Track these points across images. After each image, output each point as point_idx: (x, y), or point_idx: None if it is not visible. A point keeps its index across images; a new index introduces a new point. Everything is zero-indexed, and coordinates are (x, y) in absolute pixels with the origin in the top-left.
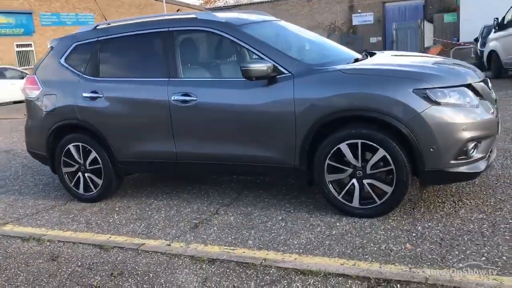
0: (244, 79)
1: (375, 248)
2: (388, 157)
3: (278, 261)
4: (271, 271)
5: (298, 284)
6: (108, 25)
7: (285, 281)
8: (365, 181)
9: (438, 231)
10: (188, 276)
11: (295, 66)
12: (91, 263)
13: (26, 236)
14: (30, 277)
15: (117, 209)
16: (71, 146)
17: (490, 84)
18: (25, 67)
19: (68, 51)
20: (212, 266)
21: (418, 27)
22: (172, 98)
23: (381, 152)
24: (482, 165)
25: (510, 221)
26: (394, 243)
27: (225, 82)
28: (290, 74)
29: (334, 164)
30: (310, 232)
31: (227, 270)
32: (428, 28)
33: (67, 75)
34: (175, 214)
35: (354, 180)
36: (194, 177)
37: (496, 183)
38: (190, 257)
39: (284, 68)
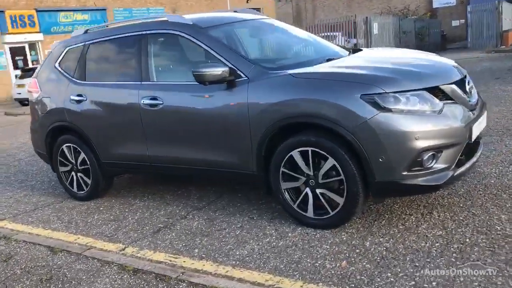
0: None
1: (309, 264)
2: (338, 166)
3: (195, 276)
4: (181, 286)
5: None
6: (96, 29)
7: None
8: (317, 191)
9: (384, 248)
10: (105, 285)
11: (251, 70)
12: (33, 266)
13: (0, 235)
14: None
15: (101, 208)
16: (64, 147)
17: (469, 85)
18: None
19: (62, 55)
20: (132, 277)
21: (496, 9)
22: (142, 102)
23: (330, 161)
24: (444, 177)
25: (467, 240)
26: (332, 259)
27: (189, 86)
28: (246, 78)
29: (288, 172)
30: (257, 242)
31: (142, 282)
32: (507, 9)
33: (60, 78)
34: (148, 216)
35: (307, 189)
36: (184, 178)
37: (480, 193)
38: (119, 265)
39: (242, 72)
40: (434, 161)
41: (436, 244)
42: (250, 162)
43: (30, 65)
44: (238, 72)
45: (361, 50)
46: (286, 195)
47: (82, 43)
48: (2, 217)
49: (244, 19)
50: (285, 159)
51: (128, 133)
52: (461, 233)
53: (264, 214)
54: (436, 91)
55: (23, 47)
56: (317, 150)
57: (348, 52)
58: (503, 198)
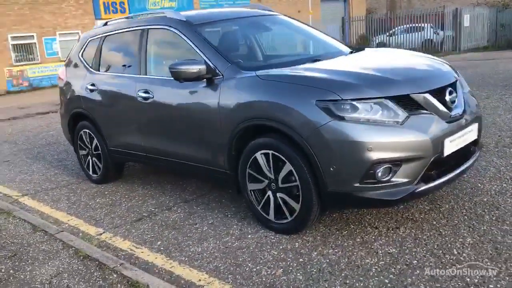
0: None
1: (247, 269)
2: (294, 172)
3: (128, 269)
4: (111, 277)
5: None
6: (114, 22)
7: None
8: (278, 195)
9: (327, 261)
10: (51, 267)
11: (227, 68)
12: (9, 242)
13: (5, 210)
14: None
15: (106, 193)
16: (82, 132)
17: (452, 95)
18: None
19: (84, 46)
20: (79, 262)
21: None
22: (137, 94)
23: (288, 166)
24: (402, 193)
25: (414, 262)
26: (272, 266)
27: (174, 82)
28: (222, 76)
29: (253, 173)
30: (216, 240)
31: (83, 269)
32: None
33: (81, 68)
34: (139, 205)
35: (270, 192)
36: None
37: (463, 212)
38: (75, 250)
39: (219, 71)
40: (391, 174)
41: (380, 263)
42: (222, 160)
43: None
44: (216, 70)
45: (363, 50)
46: (252, 196)
47: (100, 35)
48: (25, 193)
49: (245, 16)
50: (250, 160)
51: (128, 123)
52: (413, 253)
53: (240, 213)
54: (406, 100)
55: None
56: (277, 154)
57: (348, 52)
58: (483, 220)
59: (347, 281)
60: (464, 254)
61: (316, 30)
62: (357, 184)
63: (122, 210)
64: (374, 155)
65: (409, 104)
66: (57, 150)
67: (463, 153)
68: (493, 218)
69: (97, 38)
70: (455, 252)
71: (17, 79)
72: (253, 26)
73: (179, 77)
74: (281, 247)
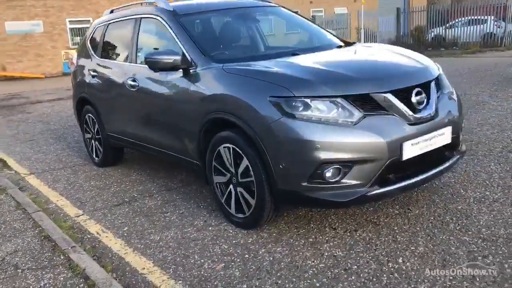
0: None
1: (192, 261)
2: (250, 167)
3: (74, 252)
4: (58, 258)
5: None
6: (117, 10)
7: (55, 269)
8: (238, 189)
9: (271, 259)
10: (12, 245)
11: (200, 60)
12: None
13: (3, 186)
14: None
15: (102, 176)
16: (86, 116)
17: (420, 96)
18: None
19: (92, 33)
20: (38, 242)
21: None
22: (127, 82)
23: (245, 162)
24: (352, 195)
25: (354, 267)
26: (216, 260)
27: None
28: (195, 68)
29: (218, 166)
30: (178, 230)
31: (38, 249)
32: None
33: (87, 54)
34: (125, 190)
35: (231, 186)
36: None
37: (430, 219)
38: (41, 230)
39: (193, 62)
40: (340, 176)
41: (321, 265)
42: (193, 151)
43: None
44: (191, 61)
45: (352, 44)
46: (217, 189)
47: (105, 22)
48: (33, 172)
49: (237, 6)
50: (215, 153)
51: (120, 110)
52: (358, 258)
53: (213, 205)
54: (365, 99)
55: None
56: (236, 149)
57: (335, 46)
58: (447, 228)
59: (279, 281)
60: (408, 263)
61: (312, 24)
62: (305, 184)
63: (108, 194)
64: (322, 155)
65: (368, 103)
66: (79, 132)
67: (435, 158)
68: (458, 228)
69: (102, 25)
70: (400, 261)
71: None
72: (244, 17)
73: (155, 67)
74: (234, 241)
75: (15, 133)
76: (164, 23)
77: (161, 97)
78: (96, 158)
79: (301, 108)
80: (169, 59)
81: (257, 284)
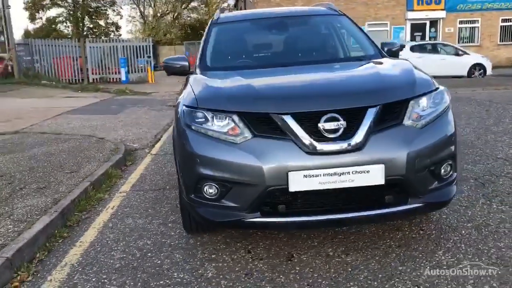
0: None
1: (126, 262)
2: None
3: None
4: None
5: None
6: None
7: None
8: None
9: (197, 266)
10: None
11: (198, 67)
12: None
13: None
14: None
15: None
16: None
17: (342, 122)
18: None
19: None
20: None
21: None
22: None
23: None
24: (229, 216)
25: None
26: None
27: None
28: (193, 73)
29: None
30: (150, 236)
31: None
32: None
33: None
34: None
35: None
36: None
37: (386, 242)
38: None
39: (196, 68)
40: (218, 194)
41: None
42: None
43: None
44: (196, 68)
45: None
46: None
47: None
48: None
49: (279, 16)
50: None
51: None
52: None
53: None
54: (264, 119)
55: (424, 24)
56: None
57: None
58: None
59: None
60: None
61: (364, 35)
62: (192, 196)
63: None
64: (202, 170)
65: (266, 124)
66: None
67: (360, 199)
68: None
69: None
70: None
71: None
72: (279, 26)
73: (167, 71)
74: (190, 247)
75: None
76: (206, 29)
77: None
78: None
79: (198, 120)
80: (177, 64)
81: None
